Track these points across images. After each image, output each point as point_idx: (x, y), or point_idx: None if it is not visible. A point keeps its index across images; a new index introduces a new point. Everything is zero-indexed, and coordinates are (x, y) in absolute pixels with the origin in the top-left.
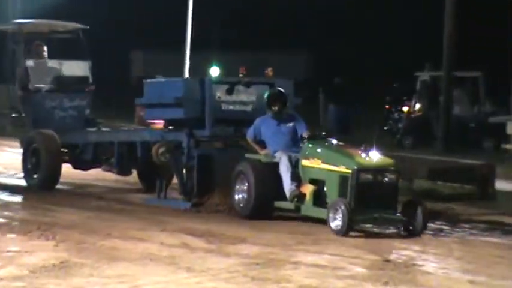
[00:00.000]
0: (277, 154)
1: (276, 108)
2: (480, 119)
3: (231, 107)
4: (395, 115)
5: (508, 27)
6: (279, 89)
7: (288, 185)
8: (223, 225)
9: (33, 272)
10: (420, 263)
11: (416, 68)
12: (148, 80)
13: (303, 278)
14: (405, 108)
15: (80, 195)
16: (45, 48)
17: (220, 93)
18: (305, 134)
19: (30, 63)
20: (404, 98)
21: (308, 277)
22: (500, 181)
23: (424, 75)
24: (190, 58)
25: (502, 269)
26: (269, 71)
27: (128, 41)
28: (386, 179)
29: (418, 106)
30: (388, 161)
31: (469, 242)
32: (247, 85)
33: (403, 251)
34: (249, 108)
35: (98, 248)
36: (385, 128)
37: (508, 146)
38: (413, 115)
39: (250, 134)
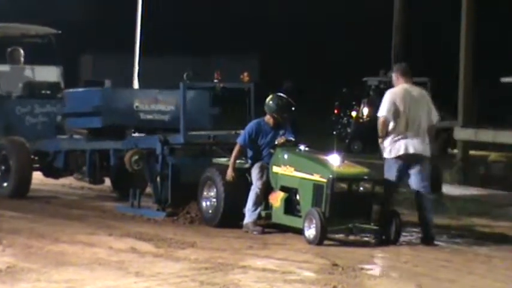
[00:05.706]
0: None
1: (283, 117)
2: None
3: (149, 117)
4: (344, 120)
5: (453, 32)
6: (287, 97)
7: (249, 210)
8: (171, 229)
9: None
10: (368, 267)
11: (366, 73)
12: (70, 90)
13: (252, 283)
14: (354, 113)
15: (24, 199)
16: (22, 53)
17: (138, 102)
18: (278, 140)
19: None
20: (353, 102)
21: (257, 281)
22: (447, 185)
23: (373, 81)
24: (139, 63)
25: (448, 273)
26: (245, 76)
27: (77, 44)
28: (361, 188)
29: (366, 111)
30: (364, 170)
31: (416, 246)
32: (223, 91)
33: (351, 255)
34: (167, 117)
35: (46, 252)
36: (334, 132)
37: (454, 151)
38: (361, 120)
39: (243, 139)
